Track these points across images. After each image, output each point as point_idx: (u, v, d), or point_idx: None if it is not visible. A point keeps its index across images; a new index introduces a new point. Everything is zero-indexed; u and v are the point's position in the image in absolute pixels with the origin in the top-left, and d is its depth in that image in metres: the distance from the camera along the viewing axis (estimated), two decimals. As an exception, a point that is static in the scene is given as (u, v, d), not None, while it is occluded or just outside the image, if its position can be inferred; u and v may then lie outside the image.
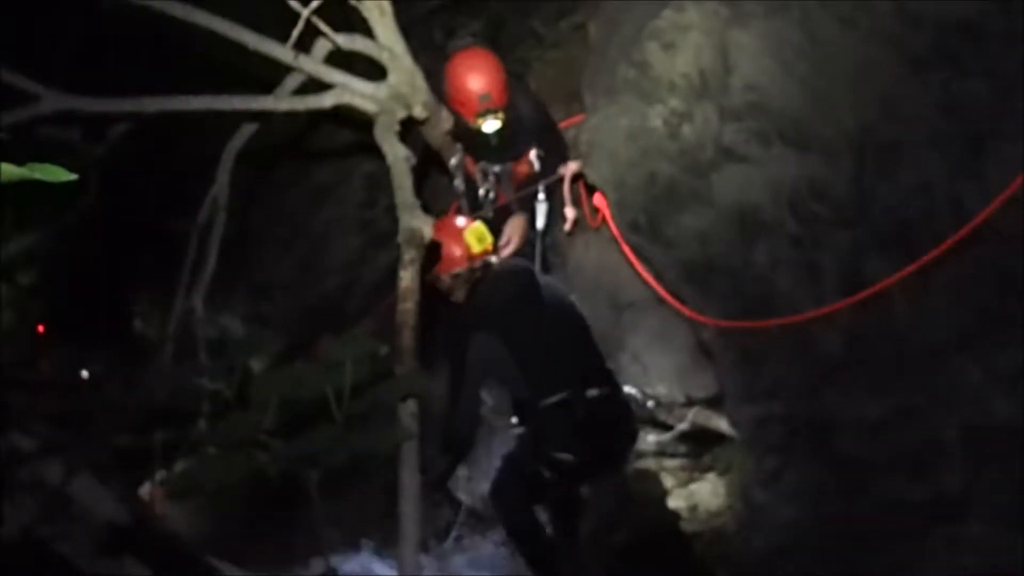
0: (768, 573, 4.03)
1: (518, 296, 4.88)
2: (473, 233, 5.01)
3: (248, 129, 5.03)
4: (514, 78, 5.49)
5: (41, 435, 3.29)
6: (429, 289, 4.85)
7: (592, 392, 4.63)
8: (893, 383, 3.83)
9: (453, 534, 5.62)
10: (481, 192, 5.59)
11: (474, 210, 5.58)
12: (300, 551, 5.73)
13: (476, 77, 5.06)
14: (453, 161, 5.60)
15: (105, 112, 4.31)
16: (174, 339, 4.79)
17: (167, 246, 5.64)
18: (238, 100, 4.39)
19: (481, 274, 5.01)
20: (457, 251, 4.99)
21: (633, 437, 4.84)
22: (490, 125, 5.14)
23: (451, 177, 5.75)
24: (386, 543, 5.71)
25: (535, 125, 5.41)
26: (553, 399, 4.54)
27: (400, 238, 3.92)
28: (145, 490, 3.66)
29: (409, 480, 2.85)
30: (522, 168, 5.59)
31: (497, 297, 4.88)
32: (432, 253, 4.74)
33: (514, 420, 4.83)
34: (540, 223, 5.55)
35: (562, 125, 5.80)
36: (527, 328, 4.76)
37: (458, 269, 4.99)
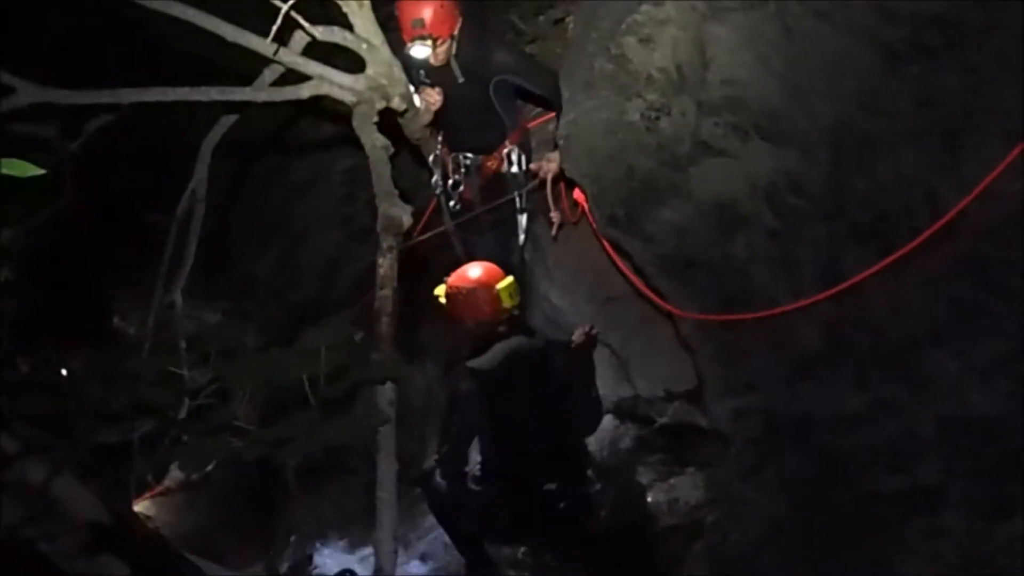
0: (748, 566, 4.05)
1: (521, 371, 4.92)
2: (506, 289, 5.02)
3: (227, 121, 5.02)
4: (484, 28, 5.47)
5: (23, 435, 3.28)
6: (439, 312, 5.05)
7: (550, 487, 4.82)
8: (870, 376, 3.85)
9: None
10: (450, 182, 5.61)
11: (452, 206, 5.61)
12: (279, 542, 5.74)
13: (413, 2, 5.06)
14: (432, 156, 5.61)
15: (82, 105, 4.28)
16: (154, 335, 4.77)
17: (146, 241, 5.63)
18: (216, 91, 4.37)
19: (503, 329, 5.03)
20: (488, 307, 5.00)
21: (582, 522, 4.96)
22: (417, 51, 5.14)
23: (430, 172, 5.76)
24: (364, 535, 5.71)
25: (506, 69, 5.35)
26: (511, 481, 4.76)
27: (379, 226, 3.92)
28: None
29: (386, 466, 2.85)
30: (492, 163, 5.59)
31: (504, 364, 4.91)
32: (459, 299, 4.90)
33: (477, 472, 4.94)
34: (521, 236, 5.60)
35: (533, 124, 5.81)
36: (515, 407, 4.86)
37: (485, 319, 5.02)
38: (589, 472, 5.02)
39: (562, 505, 4.81)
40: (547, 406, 4.88)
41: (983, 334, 3.58)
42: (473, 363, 4.93)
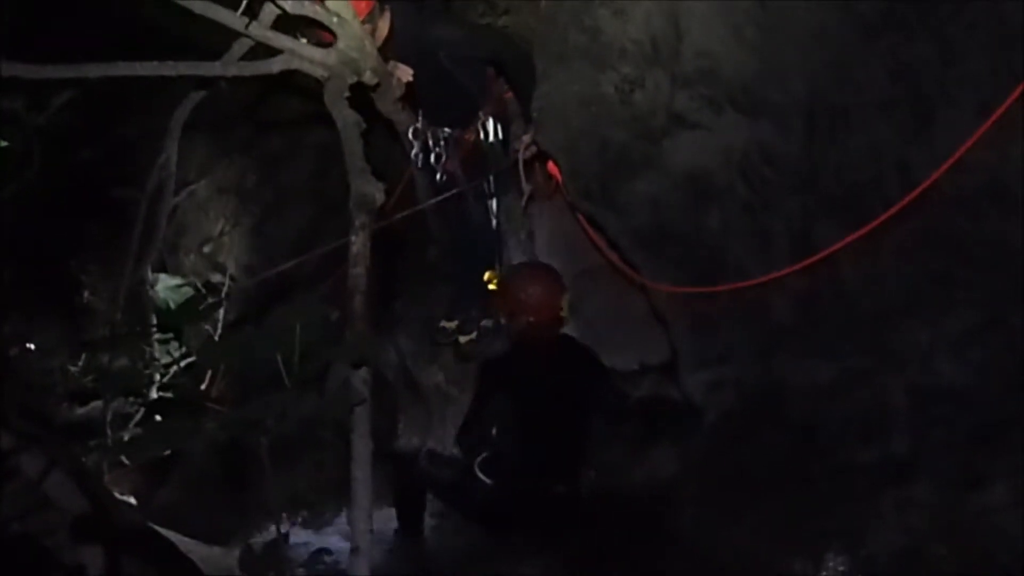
0: (722, 537, 4.07)
1: (552, 376, 4.97)
2: (567, 300, 5.03)
3: (196, 96, 4.96)
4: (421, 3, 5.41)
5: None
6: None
7: (559, 488, 4.90)
8: (842, 347, 3.87)
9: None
10: (432, 156, 5.57)
11: (437, 178, 5.58)
12: (251, 518, 5.72)
13: None
14: (411, 129, 5.57)
15: (48, 79, 4.22)
16: (124, 310, 4.73)
17: (116, 216, 5.57)
18: (184, 66, 4.31)
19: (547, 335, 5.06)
20: (550, 313, 4.99)
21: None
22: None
23: (403, 148, 5.72)
24: (339, 511, 5.72)
25: (448, 41, 5.30)
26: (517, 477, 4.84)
27: (351, 203, 3.88)
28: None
29: (361, 446, 2.83)
30: (469, 136, 5.56)
31: (538, 367, 4.98)
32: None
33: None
34: (493, 219, 5.60)
35: (509, 95, 5.76)
36: (538, 409, 4.91)
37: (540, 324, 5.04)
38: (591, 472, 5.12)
39: (559, 500, 4.88)
40: (571, 413, 4.98)
41: (954, 305, 3.61)
42: (515, 361, 5.06)
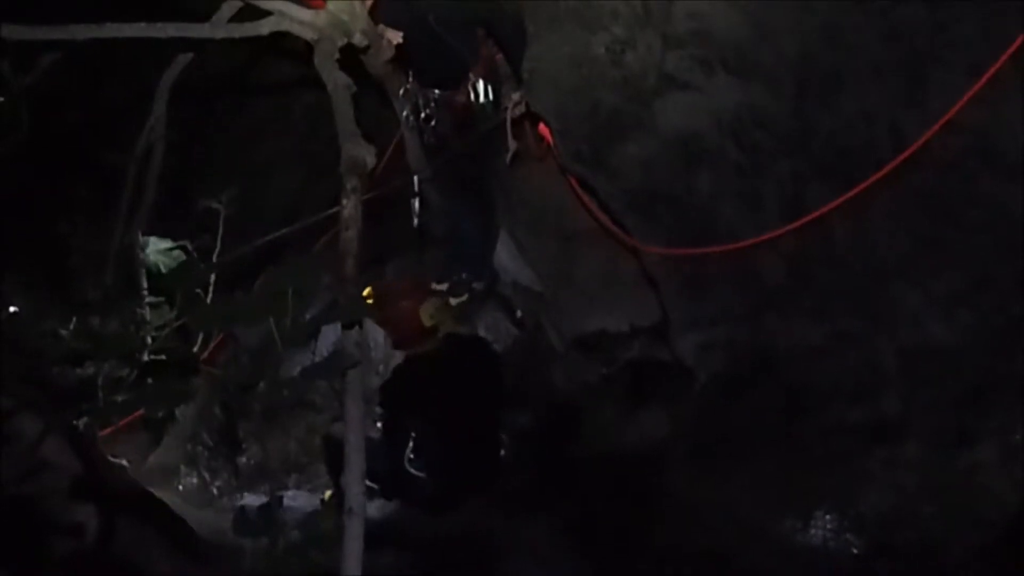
0: (713, 497, 4.10)
1: (445, 378, 5.07)
2: (426, 310, 5.08)
3: (184, 59, 4.92)
4: None
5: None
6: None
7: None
8: (833, 308, 3.89)
9: None
10: (422, 116, 5.54)
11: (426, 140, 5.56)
12: (244, 480, 5.74)
13: None
14: (402, 90, 5.54)
15: (36, 40, 4.19)
16: (114, 273, 4.72)
17: (105, 179, 5.55)
18: (173, 28, 4.27)
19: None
20: (408, 329, 5.12)
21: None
22: None
23: (394, 110, 5.69)
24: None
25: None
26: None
27: (342, 167, 3.86)
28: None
29: (354, 409, 2.84)
30: (460, 98, 5.52)
31: (427, 371, 5.09)
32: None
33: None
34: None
35: (501, 56, 5.72)
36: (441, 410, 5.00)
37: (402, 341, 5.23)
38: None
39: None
40: (468, 409, 5.06)
41: (945, 267, 3.63)
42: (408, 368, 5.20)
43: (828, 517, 3.76)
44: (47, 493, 3.01)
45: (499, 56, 5.56)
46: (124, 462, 5.77)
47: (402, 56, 5.34)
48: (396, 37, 5.24)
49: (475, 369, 5.16)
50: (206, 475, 5.87)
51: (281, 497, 5.36)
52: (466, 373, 5.10)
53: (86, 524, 3.04)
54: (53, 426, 2.91)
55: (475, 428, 5.04)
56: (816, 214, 3.83)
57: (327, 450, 5.21)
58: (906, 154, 3.56)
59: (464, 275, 5.85)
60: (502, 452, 5.16)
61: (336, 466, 5.09)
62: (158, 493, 4.43)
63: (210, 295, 3.15)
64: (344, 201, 3.65)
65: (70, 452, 3.13)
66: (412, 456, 4.94)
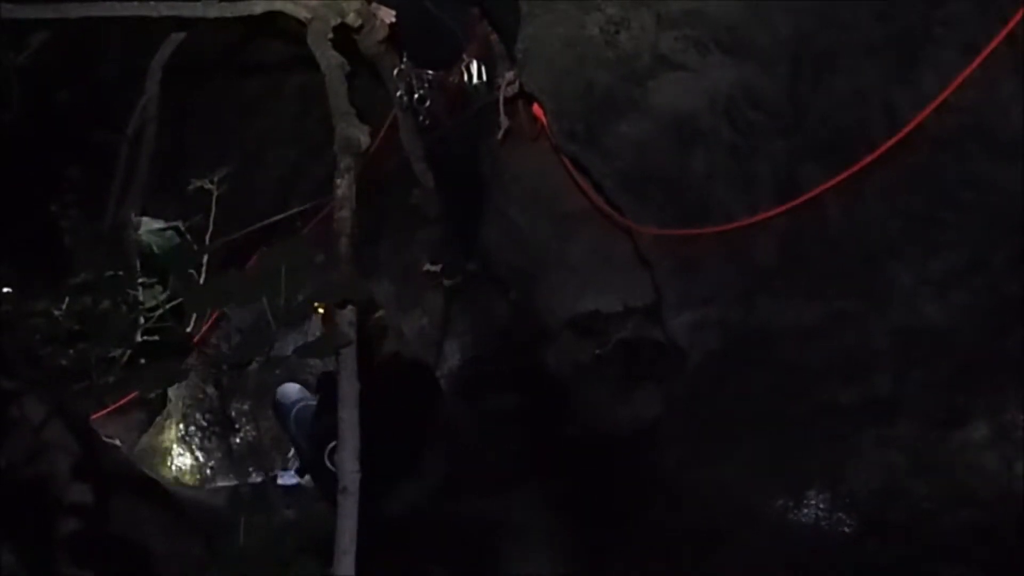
0: (706, 476, 4.11)
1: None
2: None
3: (177, 38, 4.91)
4: None
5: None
6: None
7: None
8: (826, 288, 3.90)
9: None
10: (416, 97, 5.51)
11: (420, 121, 5.54)
12: (237, 459, 5.76)
13: None
14: (396, 71, 5.51)
15: (28, 18, 4.17)
16: (107, 253, 4.71)
17: (97, 158, 5.53)
18: (165, 7, 4.26)
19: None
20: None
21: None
22: None
23: (387, 90, 5.67)
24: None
25: None
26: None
27: (336, 146, 3.86)
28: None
29: (348, 387, 2.84)
30: (453, 78, 5.50)
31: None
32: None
33: None
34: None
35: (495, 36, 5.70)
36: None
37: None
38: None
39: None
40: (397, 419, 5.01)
41: (938, 247, 3.63)
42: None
43: (820, 496, 3.77)
44: (49, 473, 3.01)
45: (493, 36, 5.54)
46: (117, 442, 5.79)
47: (395, 36, 5.32)
48: (389, 16, 5.22)
49: (407, 391, 5.06)
50: (199, 455, 5.88)
51: (275, 476, 5.37)
52: (399, 391, 4.98)
53: (83, 503, 3.05)
54: (55, 408, 2.91)
55: (395, 444, 4.99)
56: (810, 194, 3.83)
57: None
58: (901, 134, 3.56)
59: (457, 256, 5.85)
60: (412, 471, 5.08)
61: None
62: (151, 474, 4.44)
63: (203, 275, 3.16)
64: (338, 181, 3.65)
65: (69, 433, 3.13)
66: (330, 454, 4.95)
